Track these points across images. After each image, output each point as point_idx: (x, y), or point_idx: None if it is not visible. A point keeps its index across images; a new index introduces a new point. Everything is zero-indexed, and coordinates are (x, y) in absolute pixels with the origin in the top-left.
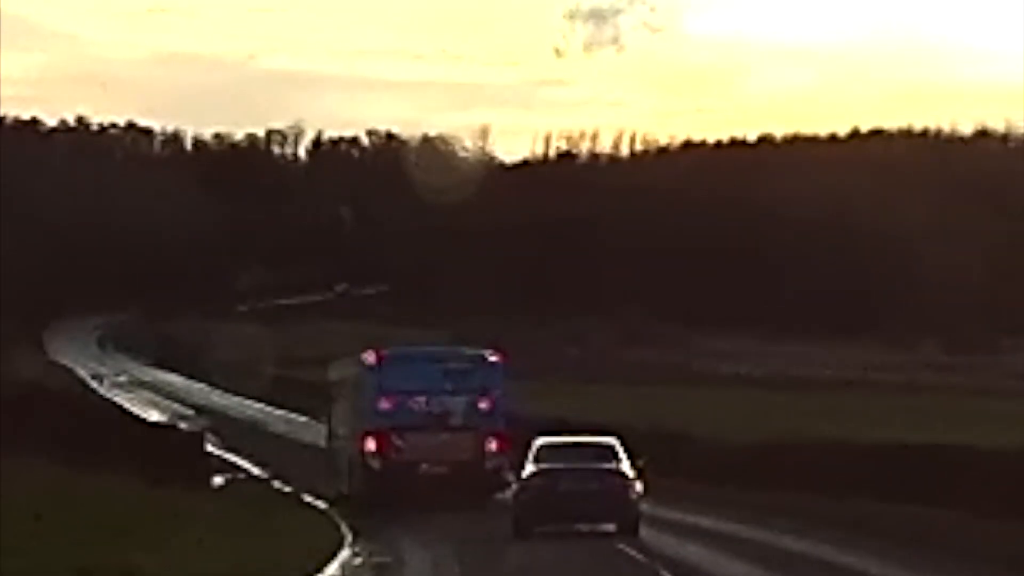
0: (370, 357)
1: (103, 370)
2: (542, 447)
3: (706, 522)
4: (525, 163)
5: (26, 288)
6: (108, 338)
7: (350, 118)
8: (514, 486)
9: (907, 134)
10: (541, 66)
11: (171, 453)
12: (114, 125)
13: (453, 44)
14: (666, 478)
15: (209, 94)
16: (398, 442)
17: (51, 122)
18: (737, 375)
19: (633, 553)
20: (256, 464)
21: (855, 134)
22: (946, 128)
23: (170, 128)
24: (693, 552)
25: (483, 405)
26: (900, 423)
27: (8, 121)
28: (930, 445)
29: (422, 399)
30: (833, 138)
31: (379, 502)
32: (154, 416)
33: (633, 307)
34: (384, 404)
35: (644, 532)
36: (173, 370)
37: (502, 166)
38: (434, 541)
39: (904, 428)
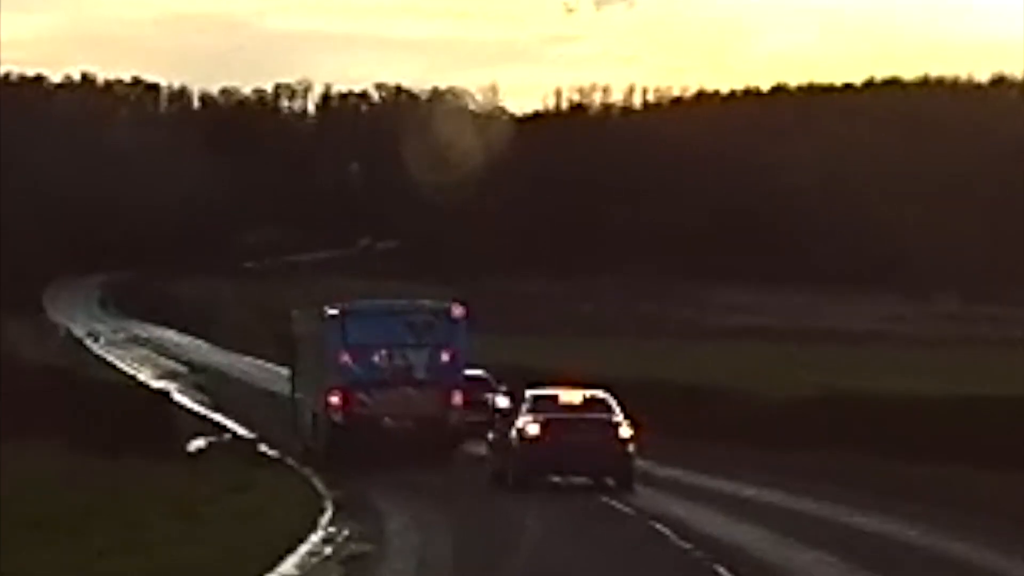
0: (332, 311)
1: (100, 328)
2: (536, 398)
3: (735, 488)
4: (537, 116)
5: (27, 247)
6: (110, 297)
7: (359, 76)
8: (491, 436)
9: (923, 84)
10: (551, 23)
11: (132, 417)
12: (119, 81)
13: (463, 2)
14: (691, 438)
15: (217, 53)
16: (361, 397)
17: (55, 78)
18: (750, 328)
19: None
20: (245, 424)
21: (870, 84)
22: (963, 77)
23: (177, 84)
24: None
25: (446, 359)
26: (928, 376)
27: (12, 78)
28: (966, 398)
29: (385, 353)
30: (848, 87)
31: (343, 457)
32: (144, 374)
33: (645, 262)
34: (347, 358)
35: (658, 498)
36: (174, 328)
37: (513, 119)
38: (425, 509)
39: (934, 381)
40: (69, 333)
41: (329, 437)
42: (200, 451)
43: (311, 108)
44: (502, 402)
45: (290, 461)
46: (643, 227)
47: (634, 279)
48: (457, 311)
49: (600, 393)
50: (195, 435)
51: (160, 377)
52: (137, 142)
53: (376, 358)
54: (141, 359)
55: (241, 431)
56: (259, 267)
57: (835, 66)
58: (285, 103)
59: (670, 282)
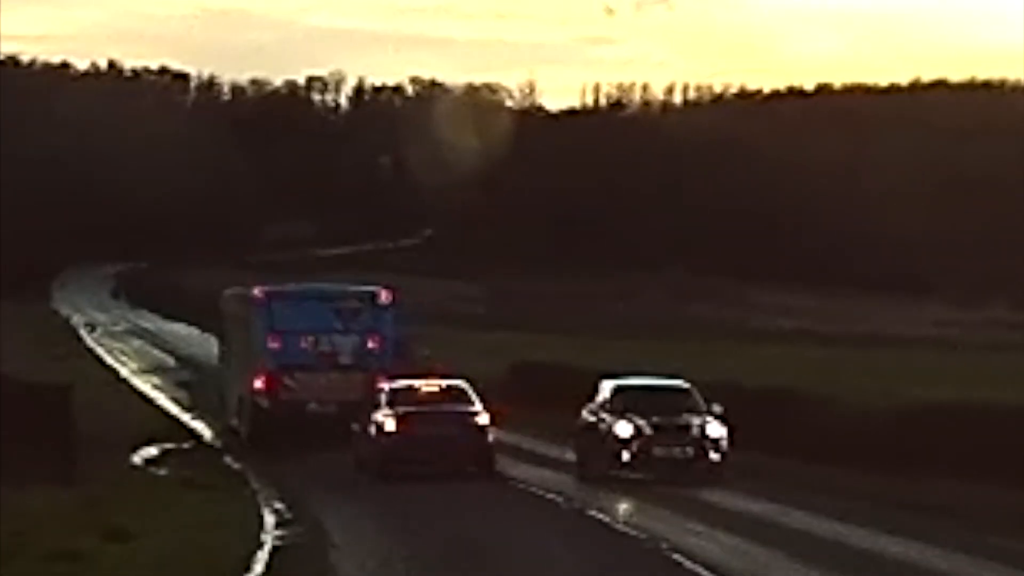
0: (258, 294)
1: (101, 318)
2: (394, 391)
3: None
4: (573, 112)
5: (47, 235)
6: (123, 287)
7: (396, 74)
8: (354, 427)
9: (969, 86)
10: (590, 24)
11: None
12: (147, 70)
13: (502, 2)
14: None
15: (250, 46)
16: (287, 381)
17: (82, 65)
18: (799, 331)
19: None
20: (216, 426)
21: (916, 86)
22: (1011, 79)
23: (206, 74)
24: None
25: (372, 344)
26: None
27: (36, 66)
28: None
29: (311, 338)
30: (893, 88)
31: (268, 441)
32: (128, 368)
33: (683, 262)
34: (273, 343)
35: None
36: (183, 320)
37: (550, 115)
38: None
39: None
40: (66, 322)
41: (254, 421)
42: (148, 461)
43: (344, 101)
44: (715, 431)
45: (253, 481)
46: (680, 226)
47: (671, 279)
48: (385, 297)
49: (458, 383)
50: (149, 441)
51: (143, 371)
52: (163, 132)
53: (302, 343)
54: (133, 352)
55: (208, 434)
56: (280, 261)
57: (880, 68)
58: (317, 96)
59: (709, 282)
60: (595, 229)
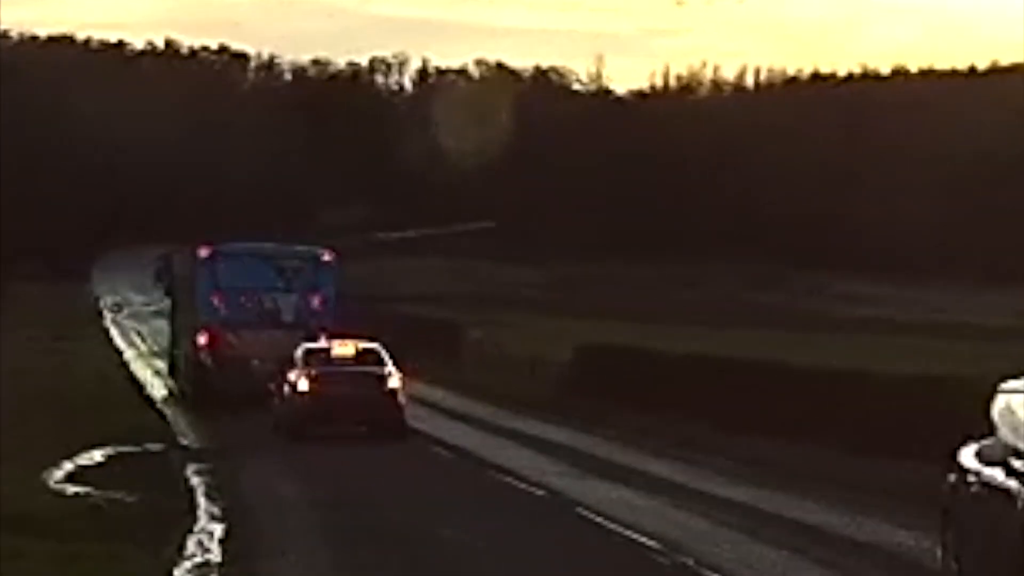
0: (203, 252)
1: (137, 299)
2: (308, 351)
3: None
4: (642, 96)
5: (100, 216)
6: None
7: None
8: (273, 387)
9: None
10: (659, 15)
11: None
12: (205, 49)
13: None
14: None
15: (314, 32)
16: (230, 338)
17: (138, 44)
18: (882, 320)
19: None
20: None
21: (993, 69)
22: None
23: (266, 54)
24: None
25: (314, 303)
26: None
27: (92, 44)
28: None
29: (254, 295)
30: (972, 72)
31: (211, 398)
32: (138, 350)
33: (756, 249)
34: (216, 300)
35: None
36: None
37: (618, 100)
38: None
39: None
40: (96, 301)
41: (197, 379)
42: (72, 476)
43: (408, 84)
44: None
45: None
46: (749, 212)
47: (740, 266)
48: (327, 256)
49: (371, 345)
50: (104, 442)
51: (153, 354)
52: (220, 113)
53: (245, 300)
54: (150, 333)
55: (188, 439)
56: (339, 245)
57: (956, 52)
58: (380, 78)
59: (778, 270)
60: (662, 214)
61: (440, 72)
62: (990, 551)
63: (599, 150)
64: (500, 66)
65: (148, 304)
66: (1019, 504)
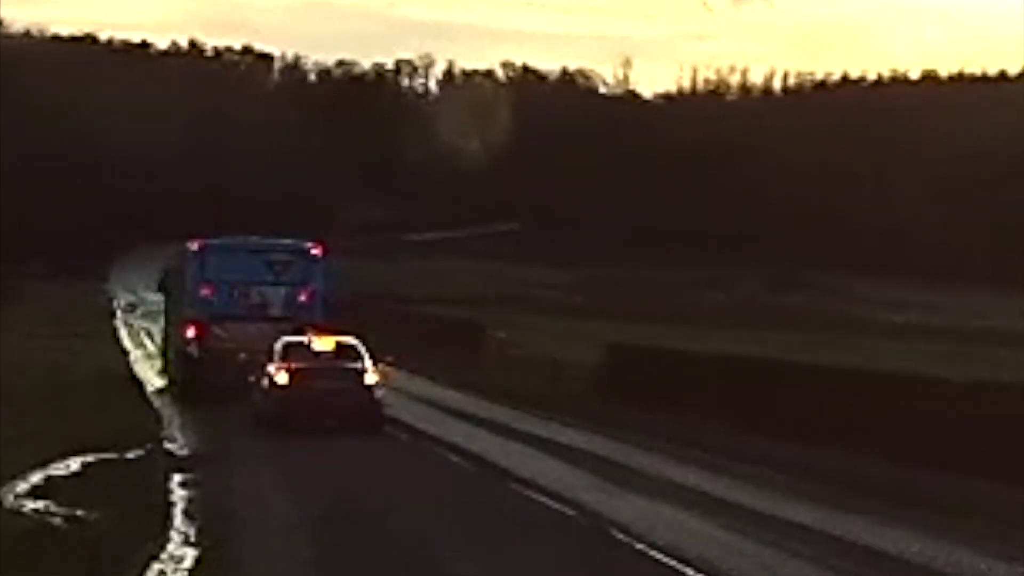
0: (193, 245)
1: (153, 298)
2: (287, 345)
3: None
4: (669, 98)
5: (121, 215)
6: None
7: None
8: (252, 379)
9: None
10: (687, 20)
11: None
12: (230, 49)
13: None
14: None
15: (339, 34)
16: (217, 330)
17: (162, 44)
18: (910, 325)
19: None
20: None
21: None
22: None
23: (290, 54)
24: None
25: (302, 297)
26: None
27: (115, 45)
28: None
29: (242, 288)
30: (1003, 76)
31: (199, 390)
32: (145, 351)
33: (781, 251)
34: (204, 292)
35: None
36: None
37: (645, 103)
38: None
39: None
40: (109, 300)
41: (185, 370)
42: (36, 490)
43: (433, 86)
44: None
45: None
46: (773, 215)
47: (763, 267)
48: (317, 250)
49: (349, 340)
50: (81, 449)
51: (158, 354)
52: (244, 113)
53: (234, 293)
54: (158, 332)
55: (177, 445)
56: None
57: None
58: (405, 80)
59: (795, 271)
60: (684, 216)
61: (466, 74)
62: None
63: (624, 152)
64: (526, 68)
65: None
66: None
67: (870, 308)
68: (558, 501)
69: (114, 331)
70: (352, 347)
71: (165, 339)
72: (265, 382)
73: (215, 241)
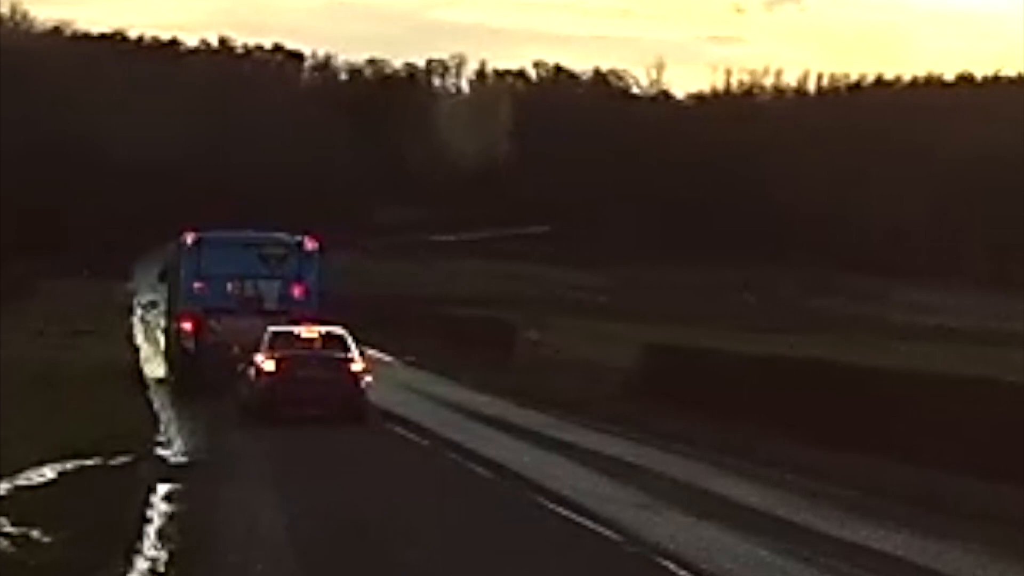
0: (188, 239)
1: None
2: (275, 334)
3: None
4: (701, 99)
5: (142, 214)
6: None
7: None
8: (239, 368)
9: None
10: (718, 23)
11: None
12: (260, 48)
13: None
14: None
15: (371, 34)
16: (212, 324)
17: (191, 42)
18: (946, 329)
19: None
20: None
21: None
22: None
23: (321, 53)
24: None
25: (297, 291)
26: None
27: (145, 42)
28: None
29: (237, 282)
30: None
31: (194, 383)
32: (148, 348)
33: (815, 255)
34: (198, 286)
35: None
36: None
37: (677, 104)
38: None
39: None
40: (129, 297)
41: (180, 364)
42: (17, 492)
43: (464, 86)
44: None
45: None
46: (804, 218)
47: (793, 271)
48: (311, 244)
49: (336, 330)
50: (63, 455)
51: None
52: (274, 112)
53: (228, 287)
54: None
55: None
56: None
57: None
58: (437, 80)
59: (832, 276)
60: (722, 219)
61: (498, 74)
62: None
63: (656, 154)
64: (559, 69)
65: None
66: None
67: (904, 311)
68: (596, 521)
69: (129, 328)
70: (339, 337)
71: (166, 333)
72: (252, 372)
73: (209, 234)
